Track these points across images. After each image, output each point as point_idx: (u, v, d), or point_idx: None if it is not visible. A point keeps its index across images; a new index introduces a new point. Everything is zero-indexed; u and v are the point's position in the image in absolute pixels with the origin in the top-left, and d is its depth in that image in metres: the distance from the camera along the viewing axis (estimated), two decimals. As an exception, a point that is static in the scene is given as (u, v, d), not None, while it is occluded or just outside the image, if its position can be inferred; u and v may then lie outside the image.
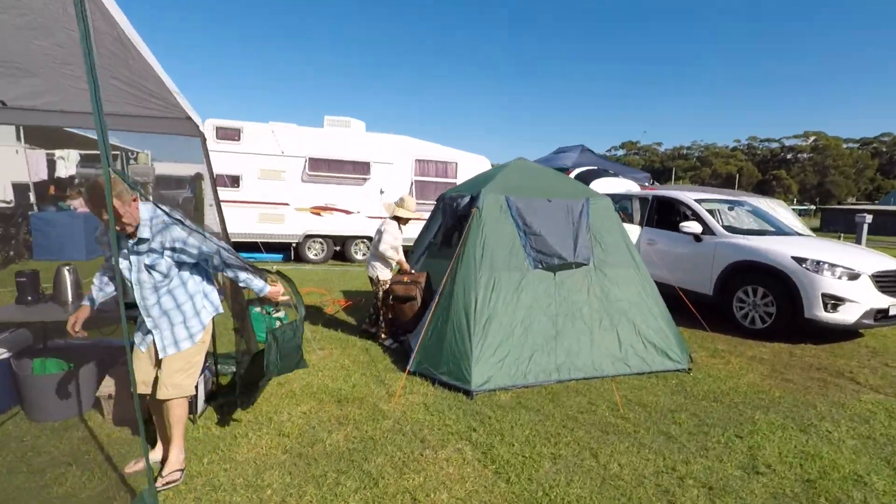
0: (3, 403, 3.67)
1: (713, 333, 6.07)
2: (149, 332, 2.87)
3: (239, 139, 9.79)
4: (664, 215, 7.56)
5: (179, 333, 2.91)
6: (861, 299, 5.45)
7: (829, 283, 5.48)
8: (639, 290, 5.00)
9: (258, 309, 5.56)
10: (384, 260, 5.62)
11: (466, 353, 4.27)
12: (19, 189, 9.86)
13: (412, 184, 10.47)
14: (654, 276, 6.77)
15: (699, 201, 6.99)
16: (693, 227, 6.60)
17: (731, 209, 7.31)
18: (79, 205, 10.82)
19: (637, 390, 4.30)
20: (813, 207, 54.23)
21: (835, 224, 31.16)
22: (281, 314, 5.65)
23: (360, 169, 10.32)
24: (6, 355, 3.72)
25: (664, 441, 3.44)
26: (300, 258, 10.53)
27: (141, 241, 2.70)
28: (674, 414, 3.85)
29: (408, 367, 4.51)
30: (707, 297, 6.43)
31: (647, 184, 13.10)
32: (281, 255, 10.63)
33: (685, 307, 6.44)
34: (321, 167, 10.12)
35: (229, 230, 9.91)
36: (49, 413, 3.60)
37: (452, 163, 10.59)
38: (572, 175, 9.54)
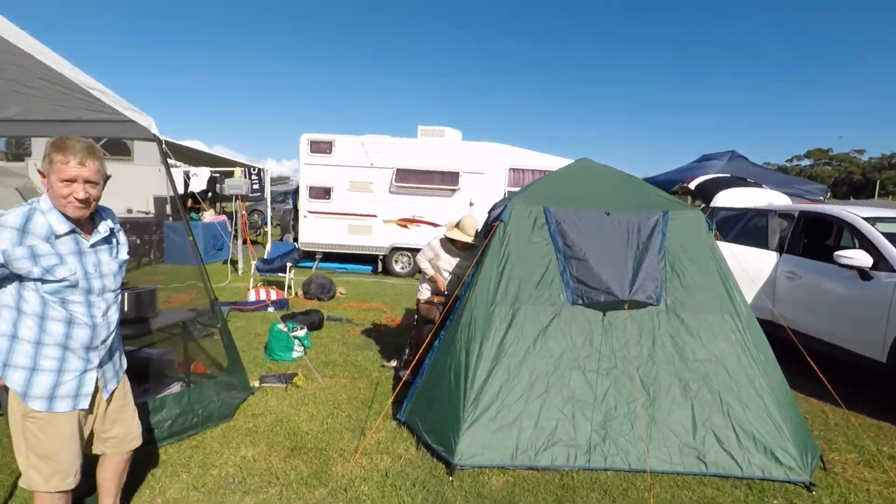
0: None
1: (877, 421, 4.04)
2: (88, 371, 2.09)
3: (331, 152, 9.78)
4: (816, 239, 5.49)
5: (121, 359, 2.33)
6: None
7: None
8: (737, 350, 3.41)
9: (281, 325, 5.10)
10: (428, 280, 4.88)
11: (456, 412, 3.20)
12: (159, 202, 11.09)
13: (505, 195, 9.46)
14: (793, 324, 4.88)
15: (872, 220, 4.87)
16: (858, 257, 4.55)
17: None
18: (209, 217, 11.87)
19: (705, 506, 2.80)
20: None
21: None
22: (301, 333, 5.12)
23: (449, 180, 9.62)
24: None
25: None
26: (387, 271, 10.15)
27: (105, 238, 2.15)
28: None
29: (380, 415, 3.58)
30: (877, 365, 4.35)
31: (822, 198, 10.28)
32: (370, 268, 10.38)
33: (835, 371, 4.45)
34: (409, 178, 9.65)
35: (321, 241, 10.05)
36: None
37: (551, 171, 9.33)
38: (692, 185, 7.64)
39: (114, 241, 2.19)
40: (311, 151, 9.81)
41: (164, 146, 3.58)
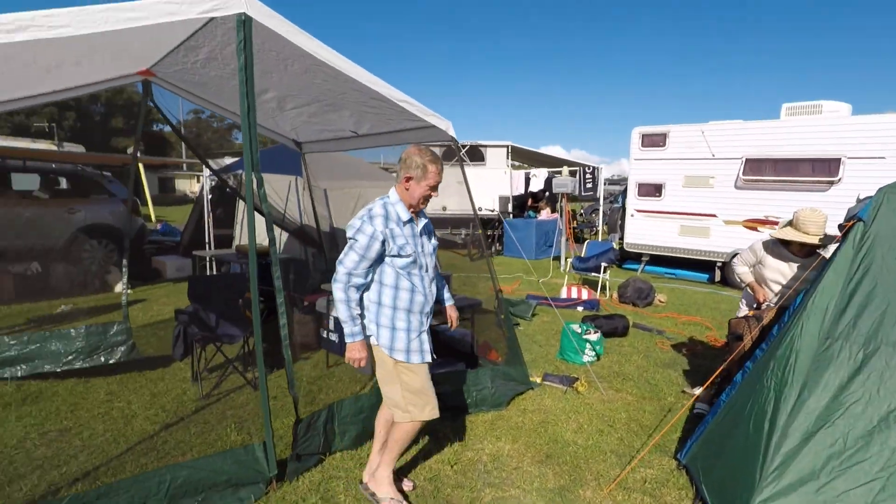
0: (340, 349, 4.80)
1: None
2: (422, 332, 2.55)
3: (664, 145, 8.85)
4: None
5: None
6: None
7: None
8: None
9: (574, 326, 4.96)
10: (748, 291, 4.02)
11: (751, 475, 2.37)
12: (502, 201, 12.49)
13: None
14: None
15: None
16: None
17: None
18: (545, 215, 12.69)
19: None
20: None
21: None
22: (594, 337, 4.83)
23: (825, 169, 7.27)
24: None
25: None
26: (726, 281, 8.54)
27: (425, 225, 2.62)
28: None
29: (657, 448, 2.94)
30: None
31: None
32: (706, 276, 8.96)
33: None
34: (763, 169, 7.78)
35: (648, 242, 9.28)
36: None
37: None
38: None
39: (428, 229, 2.62)
40: (643, 146, 9.17)
41: (458, 146, 3.89)
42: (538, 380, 4.25)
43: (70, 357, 4.18)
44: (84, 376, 4.11)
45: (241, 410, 3.65)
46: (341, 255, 2.39)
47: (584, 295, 7.13)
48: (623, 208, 10.10)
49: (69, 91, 3.91)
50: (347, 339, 2.39)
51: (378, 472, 2.63)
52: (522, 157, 15.00)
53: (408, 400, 2.47)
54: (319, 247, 6.37)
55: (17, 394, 3.79)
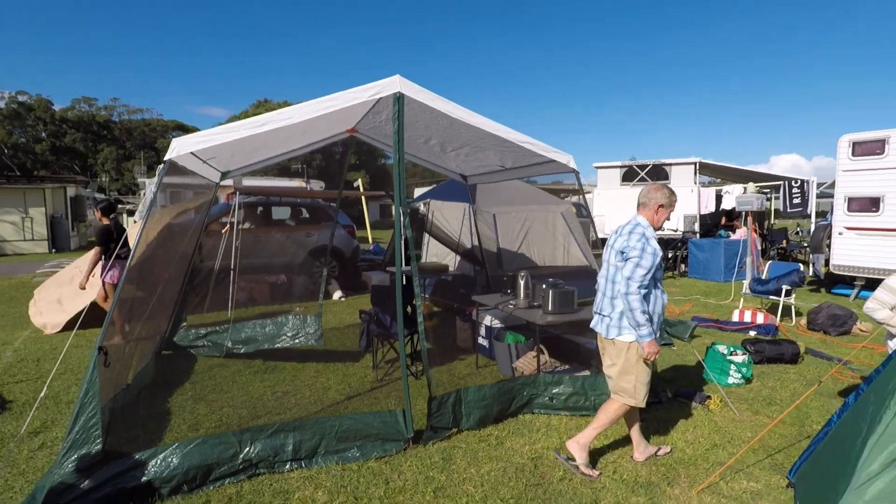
0: (488, 353, 5.53)
1: None
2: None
3: (883, 152, 7.49)
4: None
5: None
6: None
7: None
8: None
9: (720, 347, 4.85)
10: None
11: (835, 494, 2.35)
12: (688, 220, 11.79)
13: None
14: None
15: None
16: None
17: None
18: (740, 234, 11.60)
19: None
20: None
21: None
22: (739, 359, 4.65)
23: None
24: (499, 325, 5.54)
25: None
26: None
27: None
28: None
29: (769, 465, 2.91)
30: None
31: None
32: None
33: None
34: None
35: (860, 263, 7.89)
36: (500, 367, 5.13)
37: None
38: None
39: None
40: (854, 155, 7.93)
41: (579, 177, 4.32)
42: (669, 394, 4.34)
43: (281, 338, 5.91)
44: (301, 360, 5.53)
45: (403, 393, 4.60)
46: (628, 273, 2.88)
47: (760, 318, 6.58)
48: (829, 226, 8.79)
49: (304, 148, 5.56)
50: (647, 338, 2.90)
51: (582, 439, 3.15)
52: (715, 173, 13.88)
53: (637, 389, 3.01)
54: (482, 265, 7.24)
55: (262, 365, 5.37)
